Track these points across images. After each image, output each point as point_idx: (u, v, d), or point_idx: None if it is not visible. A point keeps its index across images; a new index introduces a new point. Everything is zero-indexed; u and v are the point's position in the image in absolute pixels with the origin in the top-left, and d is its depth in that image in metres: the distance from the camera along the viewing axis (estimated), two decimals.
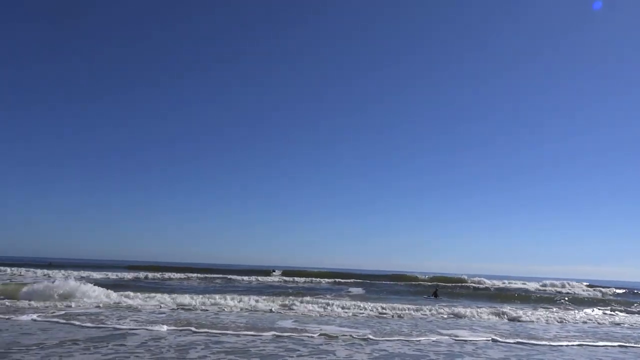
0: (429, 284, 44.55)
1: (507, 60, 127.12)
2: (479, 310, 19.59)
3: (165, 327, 12.33)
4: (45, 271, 42.49)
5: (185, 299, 18.19)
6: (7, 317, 13.31)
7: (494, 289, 41.17)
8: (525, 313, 19.32)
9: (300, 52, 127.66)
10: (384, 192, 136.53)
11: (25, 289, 18.34)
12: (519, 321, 17.59)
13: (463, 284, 46.67)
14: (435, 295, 30.24)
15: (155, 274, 44.05)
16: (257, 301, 18.38)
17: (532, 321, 17.80)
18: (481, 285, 46.11)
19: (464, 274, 58.29)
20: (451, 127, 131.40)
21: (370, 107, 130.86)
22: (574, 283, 50.62)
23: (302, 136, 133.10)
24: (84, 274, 40.22)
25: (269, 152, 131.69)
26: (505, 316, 18.20)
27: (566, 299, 31.32)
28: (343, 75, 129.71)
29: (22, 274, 40.13)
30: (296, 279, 46.24)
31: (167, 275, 43.44)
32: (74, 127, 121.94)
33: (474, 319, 17.48)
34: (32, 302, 16.63)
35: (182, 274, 44.99)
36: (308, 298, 23.70)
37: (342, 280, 45.12)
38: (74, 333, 11.15)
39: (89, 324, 12.49)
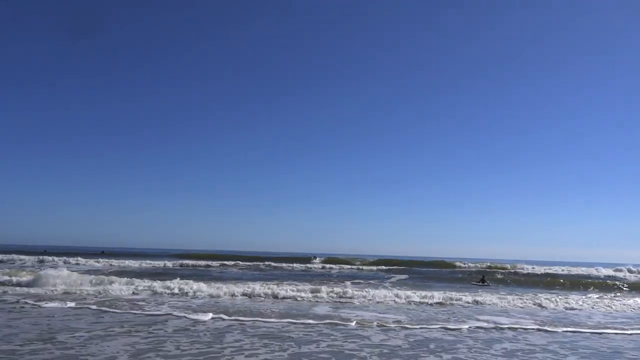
0: (476, 270, 43.98)
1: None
2: (523, 296, 19.31)
3: (201, 314, 12.89)
4: (101, 260, 44.57)
5: (223, 286, 18.82)
6: (44, 303, 14.23)
7: (544, 275, 40.20)
8: (575, 299, 18.90)
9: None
10: (429, 175, 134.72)
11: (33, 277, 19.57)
12: (568, 308, 17.17)
13: (512, 271, 45.72)
14: (483, 281, 29.93)
15: (199, 261, 45.59)
16: (294, 288, 18.80)
17: (581, 308, 17.36)
18: (531, 272, 45.02)
19: (520, 260, 57.01)
20: (500, 96, 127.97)
21: (416, 73, 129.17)
22: (633, 268, 48.52)
23: (338, 122, 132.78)
24: (127, 262, 41.99)
25: (309, 139, 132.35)
26: (551, 302, 17.82)
27: (624, 284, 30.21)
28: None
29: (76, 262, 42.34)
30: (336, 266, 46.63)
31: (209, 263, 44.84)
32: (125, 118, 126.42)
33: (517, 305, 17.21)
34: (72, 289, 17.67)
35: (225, 262, 46.28)
36: (348, 284, 24.01)
37: (385, 267, 45.15)
38: (114, 319, 11.87)
39: (125, 311, 13.23)
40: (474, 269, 45.72)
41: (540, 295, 20.79)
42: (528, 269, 48.37)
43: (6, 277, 20.30)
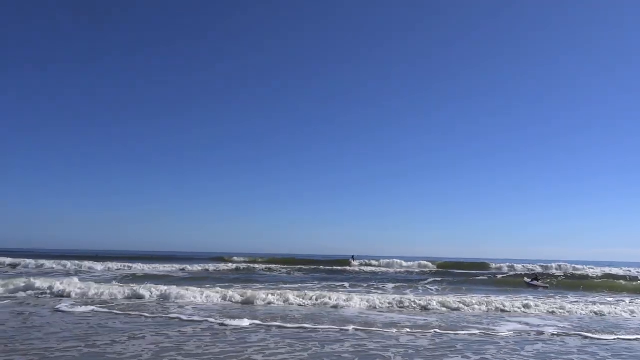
0: (524, 272, 43.34)
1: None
2: (569, 297, 19.14)
3: (227, 318, 13.59)
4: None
5: (250, 290, 19.47)
6: (71, 309, 15.25)
7: (602, 277, 39.18)
8: (629, 302, 18.58)
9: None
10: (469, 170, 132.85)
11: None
12: (618, 312, 16.88)
13: (567, 272, 44.78)
14: (537, 279, 29.87)
15: (238, 265, 46.82)
16: (323, 291, 19.25)
17: (633, 312, 17.05)
18: (589, 273, 43.90)
19: (578, 261, 55.42)
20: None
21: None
22: None
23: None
24: (160, 266, 43.48)
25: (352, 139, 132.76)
26: (601, 306, 17.59)
27: None
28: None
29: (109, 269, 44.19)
30: (375, 268, 46.91)
31: (247, 266, 45.88)
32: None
33: (560, 309, 17.06)
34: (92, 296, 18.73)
35: (262, 265, 47.26)
36: (387, 287, 24.32)
37: (425, 270, 45.14)
38: (139, 322, 12.70)
39: (147, 314, 14.07)
40: (523, 271, 45.09)
41: (591, 298, 20.53)
42: (586, 270, 47.22)
43: None
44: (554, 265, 51.58)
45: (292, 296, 17.47)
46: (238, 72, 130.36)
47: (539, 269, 45.45)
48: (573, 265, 50.52)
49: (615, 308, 16.96)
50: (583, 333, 12.03)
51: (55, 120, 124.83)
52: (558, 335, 11.84)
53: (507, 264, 52.55)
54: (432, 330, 11.87)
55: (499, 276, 37.21)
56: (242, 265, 46.12)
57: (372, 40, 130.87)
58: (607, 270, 47.29)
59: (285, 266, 46.08)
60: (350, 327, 12.03)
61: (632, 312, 16.50)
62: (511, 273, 41.74)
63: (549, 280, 30.14)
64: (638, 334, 12.16)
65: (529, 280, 29.81)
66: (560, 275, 39.26)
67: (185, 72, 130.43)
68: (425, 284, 28.62)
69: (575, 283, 32.14)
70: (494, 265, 51.39)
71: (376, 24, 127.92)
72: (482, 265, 51.10)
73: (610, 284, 30.60)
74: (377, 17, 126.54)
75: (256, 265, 46.67)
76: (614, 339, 11.44)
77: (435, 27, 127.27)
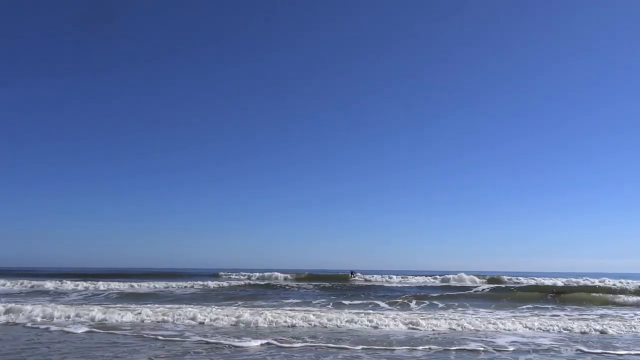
0: (534, 283, 43.84)
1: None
2: (578, 312, 19.70)
3: (224, 335, 14.44)
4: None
5: (249, 309, 20.21)
6: (68, 330, 16.11)
7: (627, 292, 39.32)
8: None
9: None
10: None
11: None
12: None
13: (583, 284, 45.11)
14: (553, 292, 30.69)
15: (235, 282, 47.49)
16: (327, 306, 19.95)
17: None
18: (607, 286, 44.02)
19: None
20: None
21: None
22: None
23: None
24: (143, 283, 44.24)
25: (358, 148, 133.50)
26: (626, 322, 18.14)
27: None
28: None
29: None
30: (375, 282, 47.54)
31: (246, 282, 46.54)
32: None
33: (563, 320, 17.71)
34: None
35: (266, 282, 47.94)
36: (393, 301, 25.04)
37: (433, 284, 45.74)
38: (135, 341, 13.58)
39: (144, 334, 14.94)
40: (534, 284, 45.53)
41: (607, 312, 21.04)
42: (607, 282, 47.28)
43: None
44: (568, 279, 52.01)
45: (286, 315, 18.29)
46: (243, 81, 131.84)
47: (558, 282, 45.92)
48: (586, 279, 50.72)
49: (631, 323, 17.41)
50: (582, 348, 12.75)
51: (59, 130, 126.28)
52: (552, 346, 12.55)
53: (517, 277, 53.14)
54: (428, 346, 12.48)
55: (511, 289, 37.75)
56: (241, 282, 46.89)
57: (380, 44, 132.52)
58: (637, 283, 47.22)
59: (287, 282, 46.87)
60: (345, 342, 12.82)
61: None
62: (522, 285, 42.29)
63: (562, 294, 30.57)
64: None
65: (552, 295, 30.35)
66: (576, 288, 39.70)
67: (190, 80, 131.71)
68: (431, 298, 29.27)
69: (594, 297, 32.53)
70: (504, 278, 51.95)
71: (390, 25, 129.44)
72: (495, 279, 51.57)
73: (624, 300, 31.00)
74: (387, 21, 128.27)
75: (257, 282, 47.43)
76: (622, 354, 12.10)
77: (436, 32, 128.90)
